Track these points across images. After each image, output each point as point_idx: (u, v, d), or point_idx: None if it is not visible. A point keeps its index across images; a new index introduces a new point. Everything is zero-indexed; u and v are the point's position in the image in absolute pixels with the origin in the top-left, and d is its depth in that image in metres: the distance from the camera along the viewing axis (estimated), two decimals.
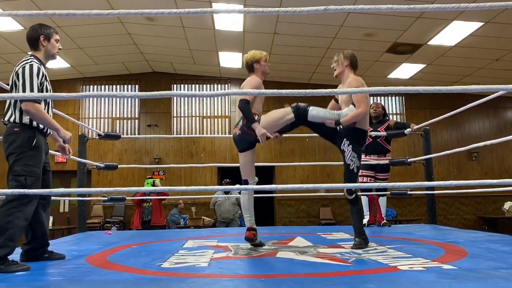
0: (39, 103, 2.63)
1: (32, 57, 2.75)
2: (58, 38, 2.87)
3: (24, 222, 2.55)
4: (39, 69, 2.68)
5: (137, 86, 11.62)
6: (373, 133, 5.06)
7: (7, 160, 2.63)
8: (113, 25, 8.37)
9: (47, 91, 2.74)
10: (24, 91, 2.59)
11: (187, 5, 7.01)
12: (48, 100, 2.82)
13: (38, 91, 2.63)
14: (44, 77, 2.72)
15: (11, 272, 2.35)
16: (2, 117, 2.72)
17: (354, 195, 3.21)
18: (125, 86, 11.66)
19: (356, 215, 3.24)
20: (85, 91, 11.35)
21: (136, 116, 11.59)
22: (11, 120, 2.64)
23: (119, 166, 5.17)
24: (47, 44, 2.80)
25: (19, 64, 2.70)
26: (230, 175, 8.10)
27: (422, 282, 1.95)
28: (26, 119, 2.64)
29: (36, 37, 2.77)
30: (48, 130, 2.80)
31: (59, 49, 2.90)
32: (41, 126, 2.71)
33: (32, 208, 2.61)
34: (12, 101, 2.66)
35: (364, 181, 5.04)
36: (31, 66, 2.65)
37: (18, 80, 2.63)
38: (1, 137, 2.79)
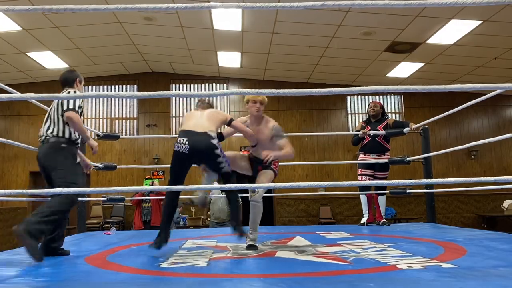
0: (79, 114, 3.02)
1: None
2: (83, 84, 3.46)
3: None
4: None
5: (135, 86, 11.60)
6: (372, 132, 5.05)
7: (50, 170, 2.96)
8: (111, 25, 8.36)
9: (81, 117, 3.15)
10: (68, 105, 3.00)
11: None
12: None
13: (78, 112, 3.03)
14: (83, 106, 3.16)
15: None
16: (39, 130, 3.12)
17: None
18: (124, 86, 11.65)
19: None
20: (84, 91, 11.32)
21: (135, 116, 11.58)
22: (54, 133, 3.01)
23: (118, 166, 5.17)
24: (79, 86, 3.34)
25: (63, 92, 3.18)
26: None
27: (421, 281, 1.95)
28: (67, 134, 3.03)
29: (74, 78, 3.30)
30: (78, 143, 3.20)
31: None
32: (77, 141, 3.12)
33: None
34: (54, 118, 3.05)
35: (363, 180, 5.04)
36: (75, 92, 3.17)
37: (63, 102, 3.03)
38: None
